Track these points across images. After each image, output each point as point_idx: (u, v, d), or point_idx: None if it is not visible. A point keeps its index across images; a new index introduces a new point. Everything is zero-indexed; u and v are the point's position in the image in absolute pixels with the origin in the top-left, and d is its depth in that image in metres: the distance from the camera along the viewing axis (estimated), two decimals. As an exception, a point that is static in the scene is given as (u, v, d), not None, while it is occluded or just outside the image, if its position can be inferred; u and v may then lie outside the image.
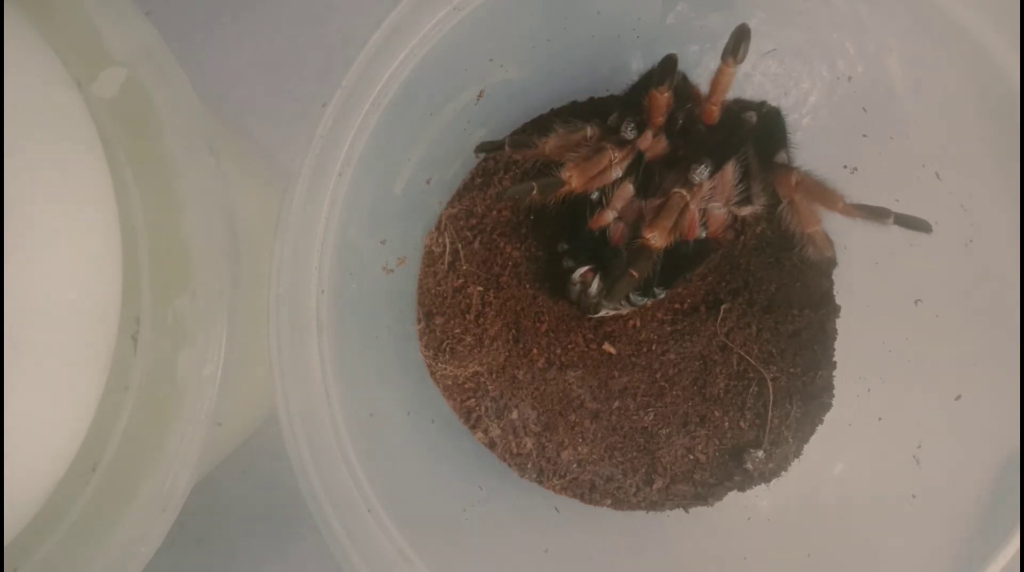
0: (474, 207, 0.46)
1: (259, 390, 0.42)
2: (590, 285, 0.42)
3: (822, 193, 0.37)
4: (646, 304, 0.44)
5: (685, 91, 0.39)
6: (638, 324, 0.46)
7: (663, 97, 0.37)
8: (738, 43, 0.34)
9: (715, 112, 0.37)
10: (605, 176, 0.38)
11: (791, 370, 0.45)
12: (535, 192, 0.37)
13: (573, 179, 0.37)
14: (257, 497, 0.54)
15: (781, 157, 0.39)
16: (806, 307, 0.45)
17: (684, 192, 0.37)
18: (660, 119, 0.38)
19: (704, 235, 0.39)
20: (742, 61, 0.34)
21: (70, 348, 0.27)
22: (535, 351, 0.45)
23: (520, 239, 0.46)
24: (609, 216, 0.38)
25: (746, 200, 0.39)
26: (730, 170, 0.38)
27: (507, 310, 0.45)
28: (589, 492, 0.44)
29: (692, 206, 0.37)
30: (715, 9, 0.42)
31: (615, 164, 0.38)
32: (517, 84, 0.43)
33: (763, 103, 0.40)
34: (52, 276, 0.26)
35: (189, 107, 0.32)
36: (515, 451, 0.44)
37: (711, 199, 0.38)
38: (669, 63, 0.36)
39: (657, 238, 0.36)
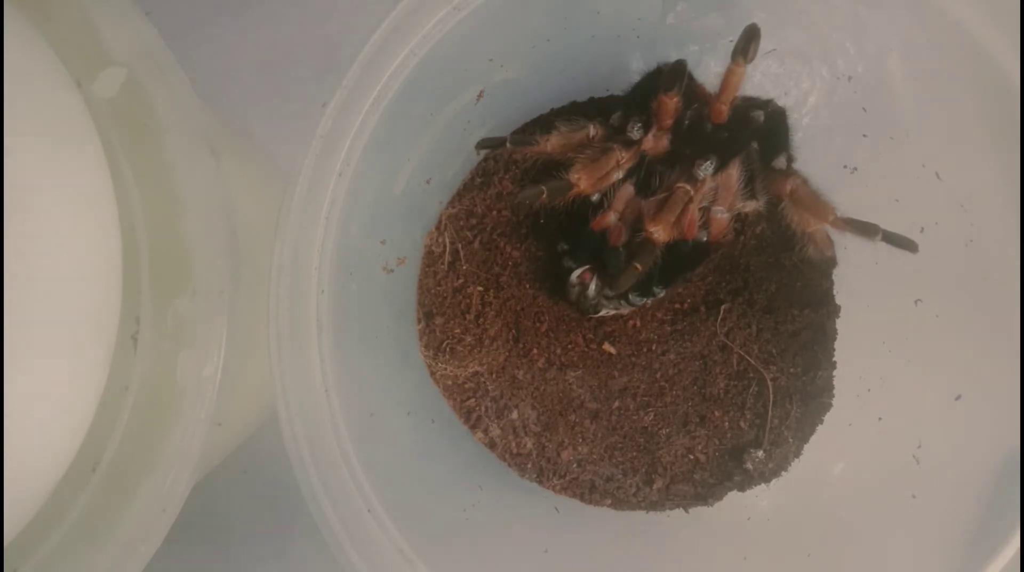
0: (474, 207, 0.46)
1: (259, 390, 0.42)
2: (588, 286, 0.42)
3: (814, 204, 0.37)
4: (646, 304, 0.44)
5: (691, 90, 0.39)
6: (638, 324, 0.46)
7: (672, 102, 0.37)
8: (748, 42, 0.34)
9: (724, 111, 0.37)
10: (612, 177, 0.38)
11: (791, 370, 0.45)
12: (544, 196, 0.37)
13: (582, 181, 0.37)
14: (257, 497, 0.54)
15: (781, 161, 0.39)
16: (806, 307, 0.45)
17: (688, 187, 0.37)
18: (668, 122, 0.38)
19: (705, 238, 0.39)
20: (752, 60, 0.34)
21: (70, 348, 0.27)
22: (535, 351, 0.45)
23: (520, 239, 0.46)
24: (612, 218, 0.39)
25: (749, 195, 0.39)
26: (735, 173, 0.38)
27: (507, 310, 0.45)
28: (589, 492, 0.44)
29: (694, 204, 0.37)
30: (715, 9, 0.42)
31: (621, 165, 0.38)
32: (517, 84, 0.43)
33: (770, 101, 0.40)
34: (52, 276, 0.26)
35: (189, 107, 0.32)
36: (515, 451, 0.44)
37: (715, 201, 0.38)
38: (679, 69, 0.36)
39: (660, 232, 0.36)
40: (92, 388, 0.28)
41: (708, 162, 0.37)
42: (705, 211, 0.38)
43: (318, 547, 0.33)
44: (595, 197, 0.39)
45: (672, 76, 0.36)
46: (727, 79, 0.35)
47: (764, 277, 0.46)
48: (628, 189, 0.39)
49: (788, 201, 0.38)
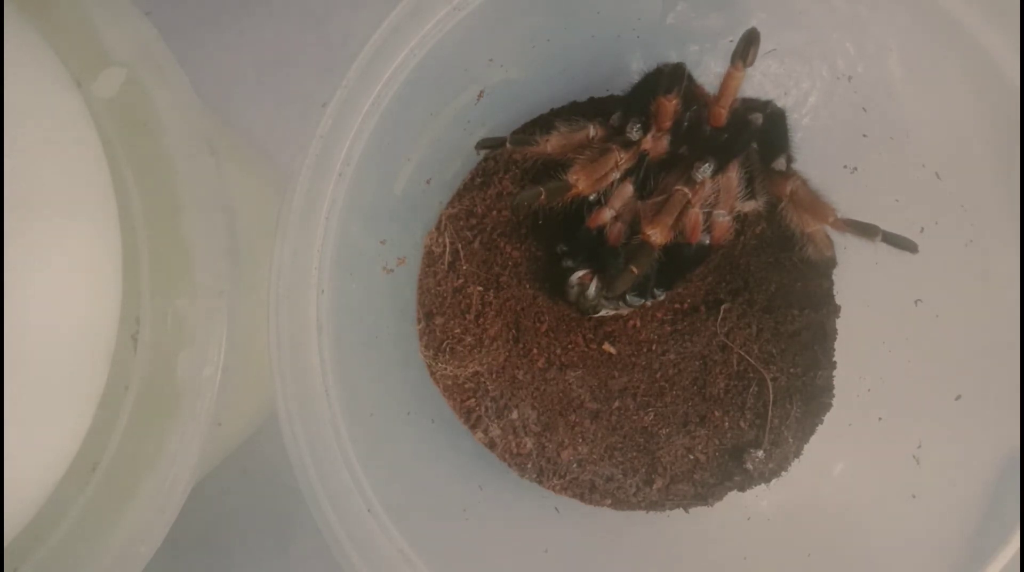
0: (474, 207, 0.46)
1: (259, 390, 0.42)
2: (588, 288, 0.42)
3: (814, 205, 0.37)
4: (645, 305, 0.44)
5: (691, 91, 0.39)
6: (638, 324, 0.46)
7: (671, 104, 0.37)
8: (747, 47, 0.34)
9: (723, 115, 0.37)
10: (610, 178, 0.38)
11: (791, 370, 0.45)
12: (543, 197, 0.37)
13: (580, 182, 0.37)
14: (257, 497, 0.54)
15: (780, 162, 0.39)
16: (806, 307, 0.45)
17: (686, 190, 0.37)
18: (668, 124, 0.38)
19: (708, 242, 0.39)
20: (751, 65, 0.34)
21: (70, 348, 0.27)
22: (535, 351, 0.45)
23: (520, 239, 0.46)
24: (607, 214, 0.38)
25: (748, 195, 0.39)
26: (734, 175, 0.38)
27: (507, 310, 0.45)
28: (589, 492, 0.44)
29: (694, 206, 0.37)
30: (715, 9, 0.42)
31: (620, 166, 0.38)
32: (517, 84, 0.43)
33: (768, 103, 0.40)
34: (52, 276, 0.26)
35: (189, 107, 0.32)
36: (515, 451, 0.44)
37: (716, 204, 0.38)
38: (678, 71, 0.36)
39: (658, 235, 0.36)
40: (92, 388, 0.28)
41: (706, 164, 0.37)
42: (707, 214, 0.38)
43: (318, 547, 0.33)
44: (592, 197, 0.39)
45: (671, 79, 0.37)
46: (726, 83, 0.35)
47: (764, 277, 0.46)
48: (627, 188, 0.39)
49: (788, 202, 0.38)
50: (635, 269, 0.37)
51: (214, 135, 0.32)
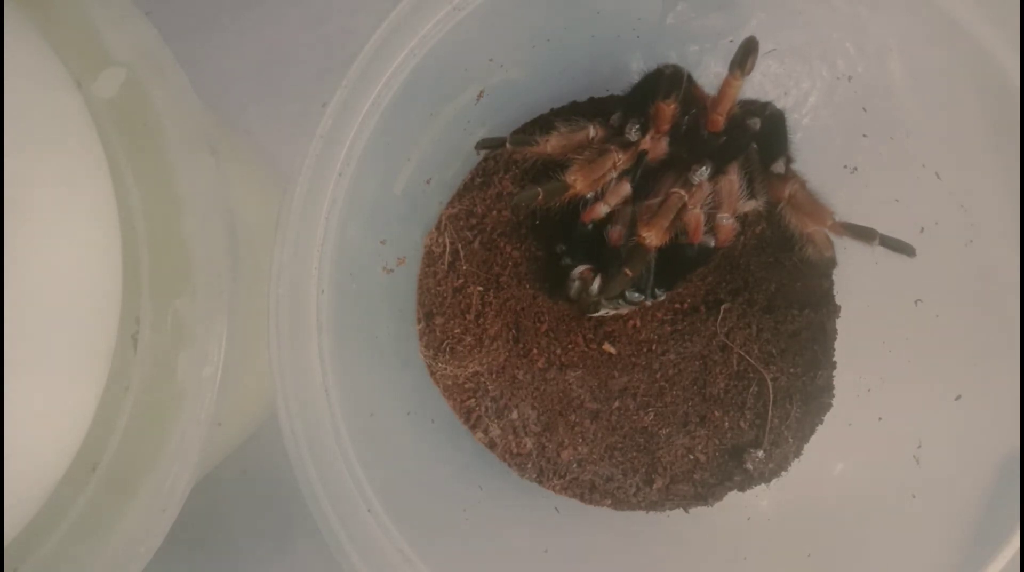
0: (474, 207, 0.46)
1: (259, 390, 0.42)
2: (590, 283, 0.42)
3: (813, 209, 0.37)
4: (645, 303, 0.44)
5: (690, 93, 0.39)
6: (638, 324, 0.46)
7: (669, 108, 0.37)
8: (746, 56, 0.34)
9: (720, 122, 0.37)
10: (608, 178, 0.38)
11: (791, 370, 0.45)
12: (541, 197, 0.37)
13: (578, 182, 0.37)
14: (257, 497, 0.54)
15: (779, 165, 0.39)
16: (806, 307, 0.45)
17: (683, 193, 0.37)
18: (666, 127, 0.38)
19: (712, 244, 0.39)
20: (749, 73, 0.34)
21: (70, 348, 0.27)
22: (535, 351, 0.45)
23: (520, 239, 0.46)
24: (602, 209, 0.38)
25: (748, 195, 0.39)
26: (735, 178, 0.38)
27: (507, 310, 0.45)
28: (589, 492, 0.44)
29: (691, 207, 0.37)
30: (715, 9, 0.42)
31: (618, 166, 0.38)
32: (517, 84, 0.43)
33: (767, 105, 0.40)
34: (52, 276, 0.26)
35: (189, 107, 0.32)
36: (515, 451, 0.44)
37: (718, 207, 0.38)
38: (677, 76, 0.36)
39: (653, 237, 0.36)
40: (92, 388, 0.28)
41: (703, 168, 0.37)
42: (710, 216, 0.38)
43: (318, 547, 0.33)
44: (590, 196, 0.39)
45: (670, 83, 0.37)
46: (724, 91, 0.35)
47: (764, 277, 0.46)
48: (624, 185, 0.38)
49: (787, 204, 0.38)
50: (629, 271, 0.37)
51: (214, 135, 0.32)
